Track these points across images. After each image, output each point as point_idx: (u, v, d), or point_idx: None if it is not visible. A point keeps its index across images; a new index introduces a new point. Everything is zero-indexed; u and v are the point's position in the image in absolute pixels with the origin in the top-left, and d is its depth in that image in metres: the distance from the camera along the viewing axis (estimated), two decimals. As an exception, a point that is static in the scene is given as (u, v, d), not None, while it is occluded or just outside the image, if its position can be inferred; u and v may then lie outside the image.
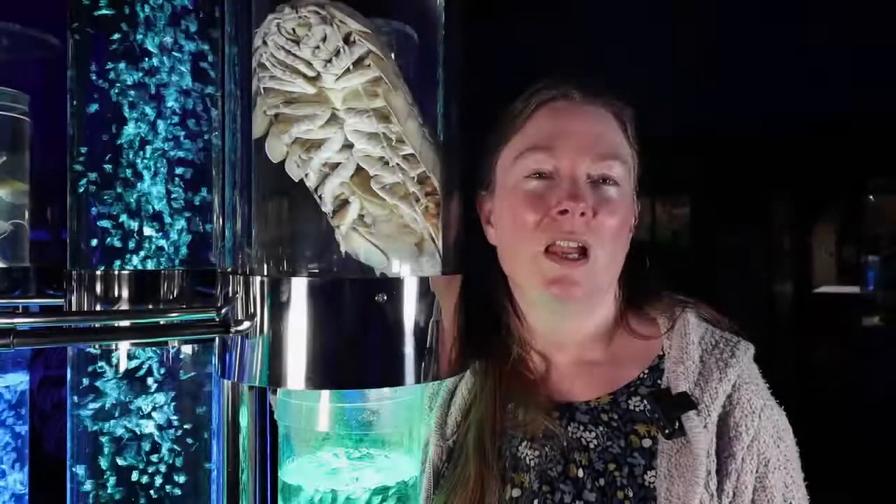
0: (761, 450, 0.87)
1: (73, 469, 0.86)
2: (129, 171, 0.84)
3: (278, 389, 0.82)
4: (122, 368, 0.84)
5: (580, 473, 0.89)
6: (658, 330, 0.96)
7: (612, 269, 0.93)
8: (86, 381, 0.85)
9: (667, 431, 0.86)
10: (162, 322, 0.74)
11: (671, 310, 0.97)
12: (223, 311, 0.73)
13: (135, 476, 0.84)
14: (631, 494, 0.87)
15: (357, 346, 0.70)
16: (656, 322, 0.98)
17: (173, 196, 0.85)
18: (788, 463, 0.89)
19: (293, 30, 0.69)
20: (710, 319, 0.97)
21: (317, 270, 0.74)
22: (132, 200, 0.84)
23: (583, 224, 0.88)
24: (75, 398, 0.86)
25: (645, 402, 0.90)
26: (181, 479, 0.85)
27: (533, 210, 0.90)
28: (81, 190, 0.85)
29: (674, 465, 0.85)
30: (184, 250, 0.86)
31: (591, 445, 0.90)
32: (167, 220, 0.85)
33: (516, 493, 0.91)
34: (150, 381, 0.85)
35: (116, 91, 0.84)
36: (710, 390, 0.88)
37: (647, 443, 0.89)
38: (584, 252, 0.88)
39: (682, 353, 0.91)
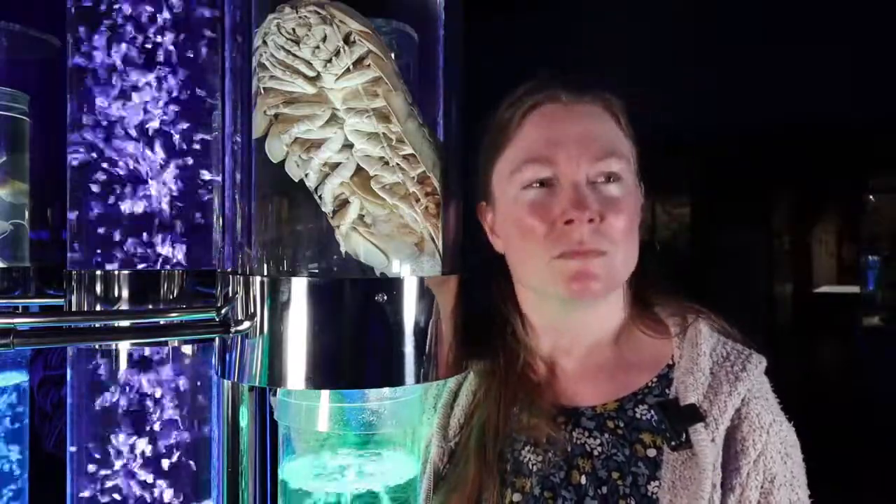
0: (768, 466, 0.86)
1: (73, 468, 0.86)
2: (129, 170, 0.84)
3: (278, 389, 0.82)
4: (122, 368, 0.84)
5: (583, 480, 0.88)
6: (668, 331, 0.94)
7: (629, 265, 0.91)
8: (85, 381, 0.85)
9: (673, 443, 0.84)
10: (162, 322, 0.74)
11: (682, 315, 0.95)
12: (223, 311, 0.73)
13: (136, 476, 0.84)
14: None
15: (357, 346, 0.70)
16: (665, 324, 0.96)
17: (174, 195, 0.85)
18: (794, 480, 0.87)
19: (293, 30, 0.69)
20: (722, 330, 0.95)
21: (317, 270, 0.74)
22: (132, 199, 0.84)
23: (591, 231, 0.85)
24: (75, 398, 0.86)
25: (652, 411, 0.89)
26: (181, 478, 0.85)
27: (538, 219, 0.87)
28: (81, 189, 0.85)
29: (678, 476, 0.84)
30: (184, 250, 0.86)
31: (595, 452, 0.89)
32: (167, 219, 0.85)
33: (517, 497, 0.90)
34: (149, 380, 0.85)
35: (117, 89, 0.84)
36: (720, 403, 0.86)
37: (651, 453, 0.87)
38: (599, 253, 0.86)
39: (693, 364, 0.89)
